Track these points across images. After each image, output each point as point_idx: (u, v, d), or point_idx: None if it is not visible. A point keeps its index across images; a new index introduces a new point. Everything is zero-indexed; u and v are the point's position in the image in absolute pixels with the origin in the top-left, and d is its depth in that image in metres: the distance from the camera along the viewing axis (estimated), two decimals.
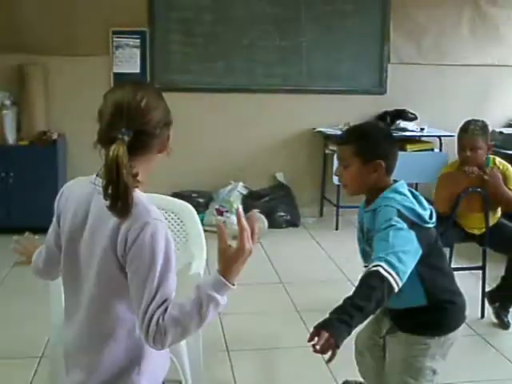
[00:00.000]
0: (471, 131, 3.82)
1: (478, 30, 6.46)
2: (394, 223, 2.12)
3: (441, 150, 6.21)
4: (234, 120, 6.15)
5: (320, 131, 6.25)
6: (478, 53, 6.46)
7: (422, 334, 2.34)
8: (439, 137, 6.17)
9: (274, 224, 5.90)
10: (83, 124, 5.92)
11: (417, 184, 6.52)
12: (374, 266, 2.02)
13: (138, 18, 5.87)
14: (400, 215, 2.16)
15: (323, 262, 5.14)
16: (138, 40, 5.90)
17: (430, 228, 2.27)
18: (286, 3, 6.11)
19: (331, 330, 1.87)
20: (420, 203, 2.27)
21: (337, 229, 6.08)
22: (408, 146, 6.13)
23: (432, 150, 6.22)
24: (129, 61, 5.92)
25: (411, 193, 2.31)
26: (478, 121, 3.93)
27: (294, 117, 6.29)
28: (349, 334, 1.91)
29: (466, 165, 3.86)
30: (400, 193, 2.26)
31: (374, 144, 2.31)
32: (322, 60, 6.23)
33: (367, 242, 2.33)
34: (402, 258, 2.04)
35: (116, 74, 5.93)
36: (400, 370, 2.38)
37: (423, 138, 6.32)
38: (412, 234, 2.13)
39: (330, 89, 6.28)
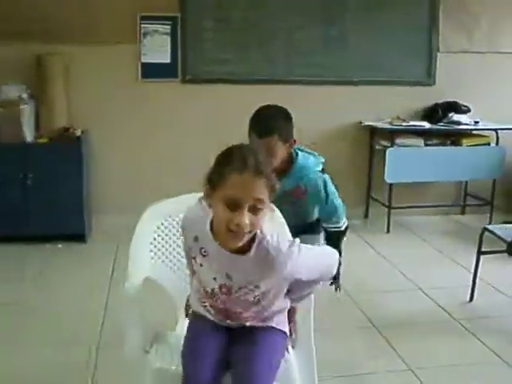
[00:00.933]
0: None
1: None
2: None
3: (497, 143, 5.72)
4: None
5: (367, 125, 5.73)
6: None
7: None
8: (496, 130, 5.68)
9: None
10: (108, 119, 5.52)
11: (466, 182, 6.06)
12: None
13: (169, 3, 5.32)
14: None
15: (384, 269, 4.64)
16: (169, 26, 5.34)
17: None
18: None
19: None
20: None
21: (388, 231, 5.57)
22: (464, 141, 5.65)
23: (488, 144, 5.73)
24: (158, 50, 5.36)
25: None
26: None
27: (338, 109, 5.77)
28: None
29: None
30: None
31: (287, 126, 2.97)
32: (367, 49, 5.71)
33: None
34: None
35: (144, 64, 5.37)
36: None
37: (478, 132, 5.82)
38: None
39: (376, 79, 5.76)
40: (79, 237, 5.07)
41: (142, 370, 2.21)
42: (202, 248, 1.96)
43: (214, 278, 1.97)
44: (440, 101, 5.82)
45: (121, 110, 5.42)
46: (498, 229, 3.80)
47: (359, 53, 5.71)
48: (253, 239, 1.86)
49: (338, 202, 2.91)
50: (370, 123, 5.71)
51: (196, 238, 1.97)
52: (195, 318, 2.20)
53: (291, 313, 2.21)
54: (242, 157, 1.78)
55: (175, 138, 5.54)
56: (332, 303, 3.73)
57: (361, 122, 5.78)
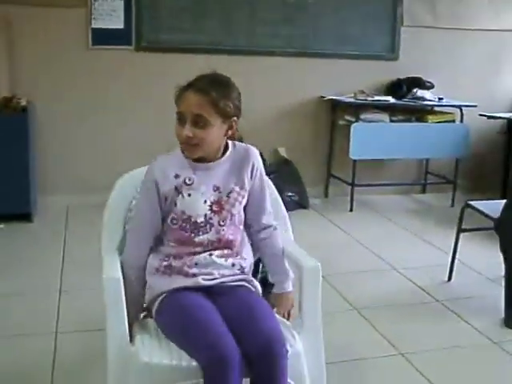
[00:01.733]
0: None
1: None
2: None
3: (462, 120, 5.59)
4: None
5: (329, 99, 5.51)
6: (494, 17, 5.88)
7: None
8: (460, 107, 5.55)
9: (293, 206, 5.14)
10: (55, 89, 5.06)
11: (427, 161, 5.95)
12: None
13: None
14: None
15: (354, 249, 4.43)
16: None
17: None
18: None
19: None
20: None
21: (351, 210, 5.37)
22: (429, 117, 5.51)
23: (453, 121, 5.60)
24: (110, 15, 4.97)
25: None
26: None
27: (299, 83, 5.52)
28: None
29: None
30: None
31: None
32: (329, 21, 5.48)
33: None
34: None
35: (95, 30, 4.97)
36: None
37: (442, 109, 5.68)
38: None
39: (339, 53, 5.55)
40: (25, 216, 4.66)
41: (127, 366, 1.93)
42: (185, 178, 2.06)
43: (205, 201, 2.06)
44: (403, 76, 5.64)
45: (69, 78, 5.02)
46: (482, 205, 3.63)
47: (322, 24, 5.47)
48: (227, 148, 2.11)
49: None
50: (332, 97, 5.48)
51: (177, 175, 2.06)
52: (173, 295, 2.02)
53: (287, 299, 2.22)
54: (196, 78, 2.03)
55: (127, 110, 5.18)
56: None
57: (322, 97, 5.55)
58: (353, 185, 5.35)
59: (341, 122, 5.50)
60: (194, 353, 1.85)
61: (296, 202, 5.29)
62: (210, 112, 1.97)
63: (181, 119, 1.99)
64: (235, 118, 2.05)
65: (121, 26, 5.01)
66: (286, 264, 2.21)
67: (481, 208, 3.61)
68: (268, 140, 5.40)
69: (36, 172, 4.84)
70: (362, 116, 5.30)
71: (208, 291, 2.04)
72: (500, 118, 5.56)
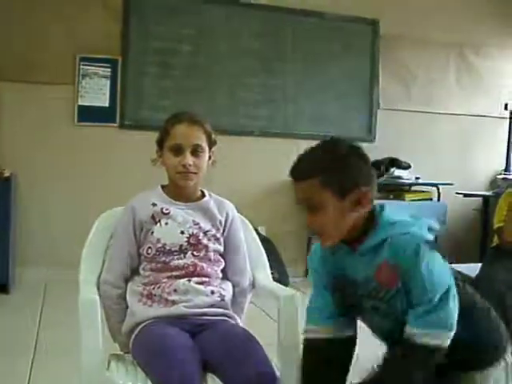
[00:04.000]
0: None
1: (464, 79, 6.18)
2: None
3: (439, 199, 5.72)
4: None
5: None
6: (464, 102, 6.15)
7: None
8: (437, 185, 5.69)
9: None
10: (40, 163, 5.13)
11: None
12: None
13: (110, 45, 5.13)
14: None
15: None
16: (109, 69, 5.13)
17: None
18: (271, 39, 5.58)
19: None
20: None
21: None
22: (406, 196, 5.62)
23: (430, 199, 5.72)
24: (97, 92, 5.13)
25: None
26: None
27: (278, 163, 5.60)
28: None
29: None
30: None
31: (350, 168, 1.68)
32: (308, 102, 5.69)
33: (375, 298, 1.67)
34: None
35: (81, 107, 5.12)
36: None
37: (419, 188, 5.83)
38: None
39: (317, 134, 5.68)
40: (1, 287, 4.60)
41: None
42: (162, 208, 2.15)
43: (182, 232, 2.12)
44: (380, 157, 5.80)
45: (54, 153, 5.10)
46: (461, 267, 3.65)
47: (301, 106, 5.67)
48: (203, 195, 2.25)
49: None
50: None
51: (154, 204, 2.16)
52: (152, 324, 2.00)
53: None
54: (180, 113, 2.21)
55: (111, 186, 5.23)
56: None
57: None
58: None
59: None
60: (154, 381, 1.81)
61: (277, 280, 5.25)
62: (205, 141, 2.16)
63: (178, 150, 2.11)
64: (213, 149, 2.24)
65: (106, 103, 5.16)
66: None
67: (460, 270, 3.63)
68: (249, 219, 5.44)
69: (16, 243, 4.82)
70: None
71: (190, 327, 2.02)
72: (476, 195, 5.70)
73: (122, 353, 2.11)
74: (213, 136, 2.21)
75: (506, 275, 3.20)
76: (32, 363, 3.26)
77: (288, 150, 5.62)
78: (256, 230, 5.66)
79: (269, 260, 5.47)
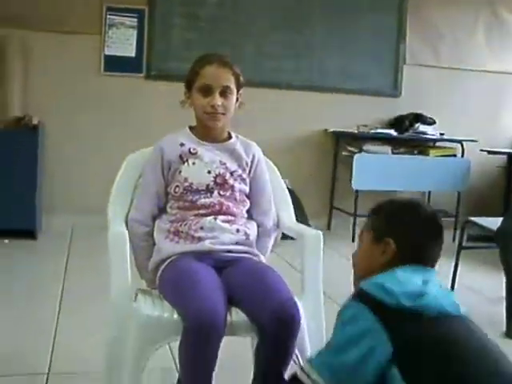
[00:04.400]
0: None
1: (494, 36, 6.08)
2: None
3: (463, 155, 5.71)
4: (237, 117, 5.41)
5: (333, 131, 5.64)
6: (493, 59, 6.07)
7: None
8: (461, 142, 5.67)
9: (284, 235, 5.16)
10: (66, 111, 5.18)
11: (429, 192, 5.99)
12: None
13: None
14: None
15: None
16: (136, 20, 5.15)
17: None
18: None
19: None
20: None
21: (353, 241, 5.40)
22: (430, 151, 5.61)
23: (454, 155, 5.71)
24: (123, 43, 5.15)
25: None
26: None
27: (303, 116, 5.66)
28: None
29: None
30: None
31: (387, 218, 1.67)
32: (335, 57, 5.67)
33: None
34: None
35: (107, 57, 5.15)
36: None
37: (443, 144, 5.82)
38: None
39: (343, 88, 5.70)
40: (29, 233, 4.71)
41: (129, 319, 1.95)
42: (190, 148, 2.19)
43: (209, 172, 2.17)
44: (405, 112, 5.78)
45: (80, 102, 5.15)
46: (482, 220, 3.69)
47: (327, 60, 5.65)
48: (230, 136, 2.28)
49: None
50: (336, 129, 5.62)
51: (182, 144, 2.20)
52: (179, 259, 2.06)
53: None
54: (210, 54, 2.23)
55: (135, 137, 5.27)
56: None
57: (326, 130, 5.68)
58: (355, 215, 5.41)
59: (344, 153, 5.61)
60: (181, 312, 1.85)
61: None
62: (233, 83, 2.18)
63: (207, 91, 2.14)
64: (241, 91, 2.24)
65: (132, 54, 5.19)
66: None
67: (481, 223, 3.67)
68: None
69: (42, 190, 4.92)
70: (365, 147, 5.41)
71: (215, 262, 2.07)
72: (500, 153, 5.67)
73: (149, 289, 2.18)
74: (241, 78, 2.22)
75: None
76: (59, 308, 3.33)
77: (314, 103, 5.65)
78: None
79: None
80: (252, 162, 2.26)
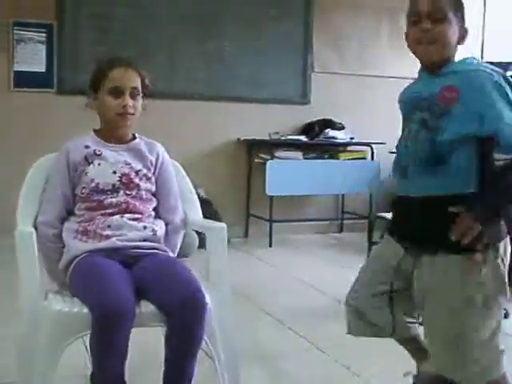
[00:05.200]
0: None
1: (395, 42, 6.37)
2: None
3: (372, 158, 5.94)
4: (151, 129, 5.43)
5: (246, 139, 5.77)
6: (395, 65, 6.34)
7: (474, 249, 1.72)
8: (370, 145, 5.90)
9: (202, 244, 5.22)
10: None
11: (343, 195, 6.19)
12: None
13: (45, 9, 5.12)
14: None
15: (274, 274, 4.60)
16: (44, 34, 5.14)
17: None
18: (209, 4, 5.65)
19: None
20: None
21: (270, 245, 5.53)
22: (340, 155, 5.82)
23: (364, 158, 5.94)
24: (33, 58, 5.13)
25: None
26: None
27: (217, 126, 5.76)
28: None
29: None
30: None
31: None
32: (245, 66, 5.80)
33: (428, 111, 1.83)
34: None
35: (16, 73, 5.11)
36: (455, 311, 1.77)
37: (353, 148, 6.04)
38: None
39: (254, 97, 5.84)
40: None
41: (40, 316, 1.99)
42: (94, 150, 2.26)
43: (114, 172, 2.23)
44: (315, 119, 5.97)
45: None
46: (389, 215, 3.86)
47: (238, 70, 5.78)
48: (134, 137, 2.36)
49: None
50: (248, 137, 5.76)
51: (87, 146, 2.27)
52: (87, 257, 2.11)
53: None
54: (115, 57, 2.32)
55: (48, 152, 5.23)
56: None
57: (239, 139, 5.81)
58: (271, 221, 5.54)
59: (256, 161, 5.74)
60: (89, 304, 1.90)
61: None
62: (139, 85, 2.28)
63: (118, 93, 2.21)
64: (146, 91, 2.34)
65: (42, 69, 5.17)
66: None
67: (389, 217, 3.84)
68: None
69: None
70: (277, 154, 5.57)
71: (124, 259, 2.13)
72: None
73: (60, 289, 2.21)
74: (146, 80, 2.31)
75: None
76: None
77: (226, 113, 5.77)
78: (196, 192, 5.82)
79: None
80: (157, 161, 2.34)
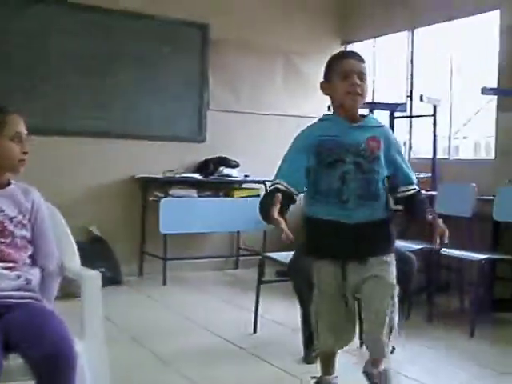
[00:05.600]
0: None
1: (291, 82, 6.52)
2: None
3: None
4: (41, 165, 5.22)
5: (140, 177, 5.70)
6: (291, 103, 6.48)
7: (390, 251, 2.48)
8: (264, 182, 5.95)
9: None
10: None
11: (238, 232, 6.20)
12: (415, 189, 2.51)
13: None
14: None
15: (167, 316, 4.50)
16: None
17: None
18: (102, 41, 5.58)
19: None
20: None
21: (165, 283, 5.44)
22: (235, 193, 5.84)
23: (258, 196, 5.96)
24: None
25: None
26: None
27: (110, 163, 5.66)
28: None
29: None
30: None
31: None
32: (139, 104, 5.75)
33: (360, 156, 2.36)
34: None
35: None
36: (384, 296, 2.40)
37: (248, 185, 6.09)
38: None
39: (149, 134, 5.79)
40: None
41: None
42: None
43: None
44: (210, 156, 5.98)
45: None
46: (277, 255, 3.90)
47: (132, 108, 5.73)
48: (9, 183, 2.28)
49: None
50: (143, 175, 5.68)
51: None
52: None
53: None
54: (4, 106, 2.24)
55: None
56: (117, 345, 3.56)
57: (133, 176, 5.73)
58: (165, 259, 5.47)
59: (151, 198, 5.67)
60: None
61: (109, 279, 5.27)
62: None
63: (18, 139, 2.20)
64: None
65: None
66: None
67: (275, 257, 3.87)
68: (80, 218, 5.41)
69: None
70: (171, 192, 5.53)
71: None
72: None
73: None
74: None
75: None
76: None
77: (120, 150, 5.68)
78: (89, 230, 5.68)
79: (101, 259, 5.52)
80: (32, 207, 2.27)
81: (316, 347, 2.60)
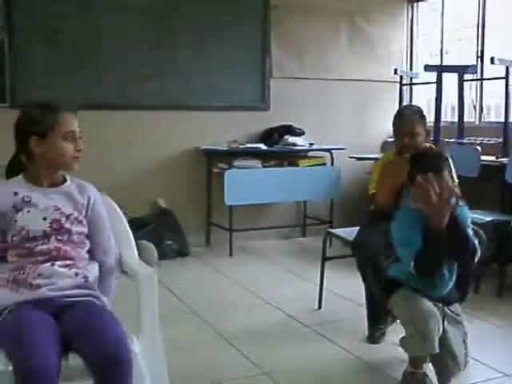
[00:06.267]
0: (407, 116, 3.45)
1: (356, 45, 6.33)
2: None
3: (332, 163, 5.90)
4: (105, 141, 5.34)
5: (204, 149, 5.70)
6: (356, 67, 6.31)
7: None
8: (330, 150, 5.86)
9: (162, 254, 5.13)
10: None
11: (305, 202, 6.15)
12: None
13: None
14: None
15: (231, 288, 4.53)
16: None
17: None
18: (159, 12, 5.53)
19: None
20: None
21: (231, 255, 5.48)
22: (300, 162, 5.78)
23: (324, 164, 5.90)
24: None
25: None
26: (413, 106, 3.70)
27: (174, 136, 5.67)
28: None
29: (404, 152, 3.41)
30: None
31: None
32: (202, 74, 5.69)
33: None
34: None
35: None
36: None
37: (313, 153, 6.00)
38: None
39: (212, 105, 5.76)
40: None
41: None
42: (23, 197, 2.18)
43: (44, 218, 2.18)
44: (275, 125, 5.92)
45: None
46: (340, 232, 3.85)
47: (194, 78, 5.68)
48: (65, 180, 2.30)
49: None
50: (207, 147, 5.68)
51: (15, 193, 2.19)
52: (16, 309, 2.07)
53: None
54: (54, 103, 2.25)
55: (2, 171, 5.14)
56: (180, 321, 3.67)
57: (198, 148, 5.74)
58: (231, 230, 5.49)
59: (215, 170, 5.67)
60: (13, 362, 1.87)
61: (176, 251, 5.37)
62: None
63: (71, 137, 2.20)
64: None
65: None
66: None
67: (339, 234, 3.82)
68: (147, 192, 5.51)
69: None
70: (235, 163, 5.50)
71: (54, 309, 2.08)
72: (368, 158, 5.78)
73: None
74: None
75: (379, 238, 3.36)
76: None
77: (184, 122, 5.69)
78: (157, 203, 5.77)
79: (169, 231, 5.60)
80: (88, 203, 2.29)
81: (424, 350, 2.67)
